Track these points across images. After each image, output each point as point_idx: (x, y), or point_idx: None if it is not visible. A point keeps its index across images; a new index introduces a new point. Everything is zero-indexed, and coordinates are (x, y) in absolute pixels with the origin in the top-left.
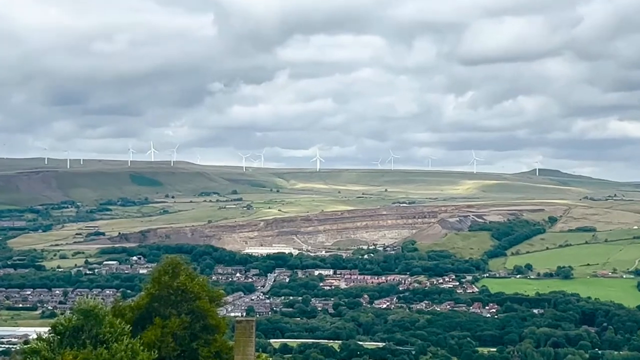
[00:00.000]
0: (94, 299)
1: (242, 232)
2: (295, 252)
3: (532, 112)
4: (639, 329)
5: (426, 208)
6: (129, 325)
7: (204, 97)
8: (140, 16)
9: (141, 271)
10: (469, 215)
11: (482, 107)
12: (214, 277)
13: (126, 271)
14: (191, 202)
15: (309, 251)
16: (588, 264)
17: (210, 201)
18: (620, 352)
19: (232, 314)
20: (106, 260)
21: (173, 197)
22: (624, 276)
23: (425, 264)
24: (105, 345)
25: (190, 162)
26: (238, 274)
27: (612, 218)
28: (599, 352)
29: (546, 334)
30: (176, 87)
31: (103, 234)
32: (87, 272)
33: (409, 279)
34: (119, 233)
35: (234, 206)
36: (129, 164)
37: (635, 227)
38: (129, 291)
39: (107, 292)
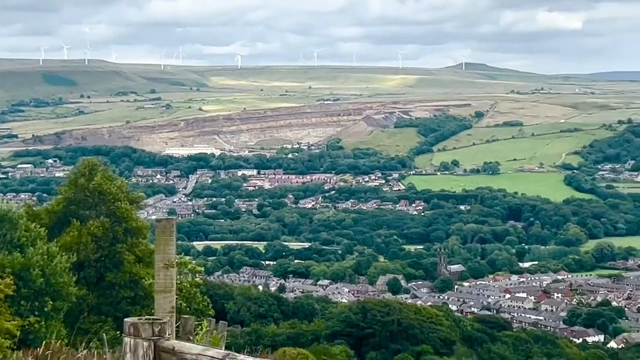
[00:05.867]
0: (7, 202)
1: (161, 132)
2: (217, 152)
3: (460, 5)
4: (565, 223)
5: (351, 105)
6: (44, 229)
7: None
8: None
9: (57, 174)
10: (395, 112)
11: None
12: (133, 180)
13: (42, 174)
14: (108, 102)
15: (231, 151)
16: (515, 159)
17: (128, 101)
18: (547, 247)
19: (153, 217)
20: (20, 164)
21: (89, 97)
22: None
23: (351, 162)
24: (20, 250)
25: (105, 60)
26: (158, 176)
27: (539, 112)
28: (526, 247)
29: (473, 230)
30: None
31: (16, 136)
32: (1, 176)
33: (335, 178)
34: (33, 135)
35: (153, 106)
36: (42, 63)
37: (563, 121)
38: (45, 195)
39: (22, 196)
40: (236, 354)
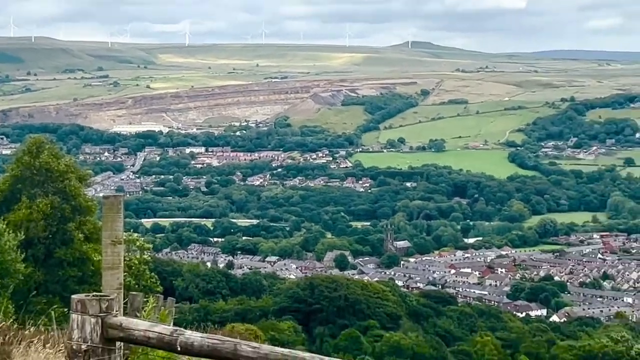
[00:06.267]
0: None
1: (109, 110)
2: (165, 130)
3: None
4: (509, 199)
5: (299, 83)
6: None
7: None
8: None
9: (4, 152)
10: (342, 90)
11: None
12: (81, 157)
13: None
14: (55, 79)
15: (179, 129)
16: (460, 137)
17: (75, 78)
18: (491, 223)
19: (101, 194)
20: None
21: (36, 75)
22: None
23: (299, 140)
24: None
25: (52, 37)
26: (106, 153)
27: (483, 90)
28: (471, 223)
29: (419, 207)
30: None
31: None
32: None
33: (282, 155)
34: None
35: (100, 83)
36: None
37: (506, 99)
38: None
39: None
40: (184, 330)
